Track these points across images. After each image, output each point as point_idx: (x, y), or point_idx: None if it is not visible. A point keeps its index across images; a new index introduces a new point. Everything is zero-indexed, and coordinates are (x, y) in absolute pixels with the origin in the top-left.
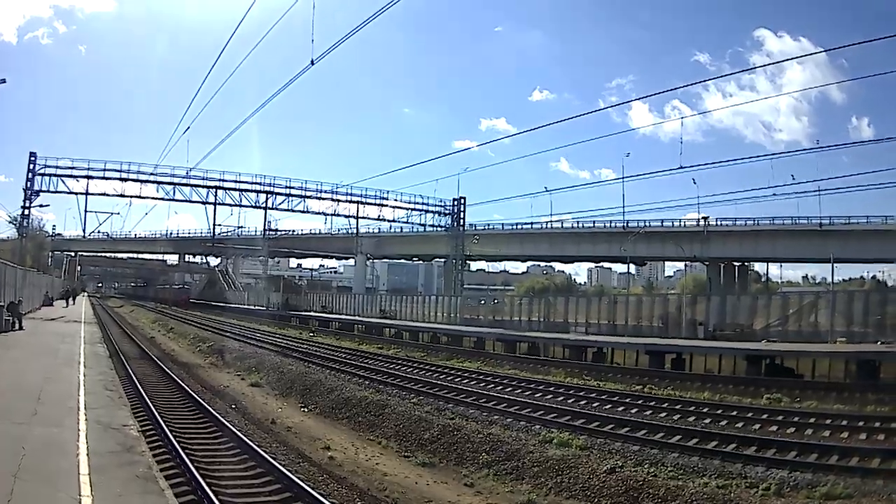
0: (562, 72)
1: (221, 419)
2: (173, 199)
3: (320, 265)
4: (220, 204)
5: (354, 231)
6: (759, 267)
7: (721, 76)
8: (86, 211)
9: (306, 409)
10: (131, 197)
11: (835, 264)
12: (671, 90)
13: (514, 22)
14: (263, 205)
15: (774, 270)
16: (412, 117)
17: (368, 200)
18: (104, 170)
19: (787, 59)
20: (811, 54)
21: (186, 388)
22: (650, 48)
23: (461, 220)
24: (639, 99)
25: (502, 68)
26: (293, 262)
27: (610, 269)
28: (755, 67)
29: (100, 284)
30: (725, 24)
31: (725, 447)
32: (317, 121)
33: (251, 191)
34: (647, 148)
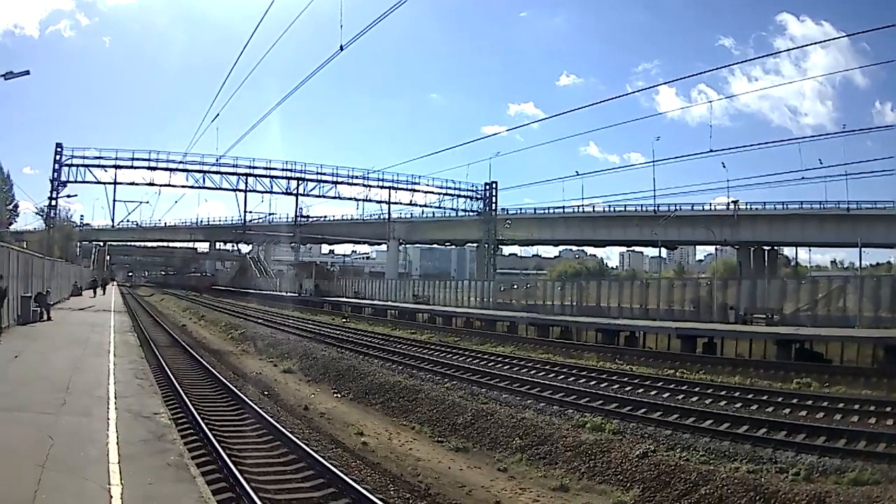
0: (587, 56)
1: (253, 406)
2: (203, 187)
3: (352, 251)
4: (250, 191)
5: (386, 216)
6: (787, 251)
7: (745, 60)
8: (114, 200)
9: (339, 395)
10: (160, 185)
11: (862, 249)
12: (697, 74)
13: (538, 7)
14: (294, 191)
15: (803, 255)
16: (440, 102)
17: (400, 185)
18: (132, 159)
19: (810, 44)
20: (833, 39)
21: (218, 375)
22: (675, 32)
23: (493, 205)
24: (665, 83)
25: (529, 53)
26: (325, 248)
27: (641, 253)
28: (779, 52)
29: (130, 273)
30: (748, 8)
31: (756, 432)
32: (345, 106)
33: (281, 177)
34: (674, 132)
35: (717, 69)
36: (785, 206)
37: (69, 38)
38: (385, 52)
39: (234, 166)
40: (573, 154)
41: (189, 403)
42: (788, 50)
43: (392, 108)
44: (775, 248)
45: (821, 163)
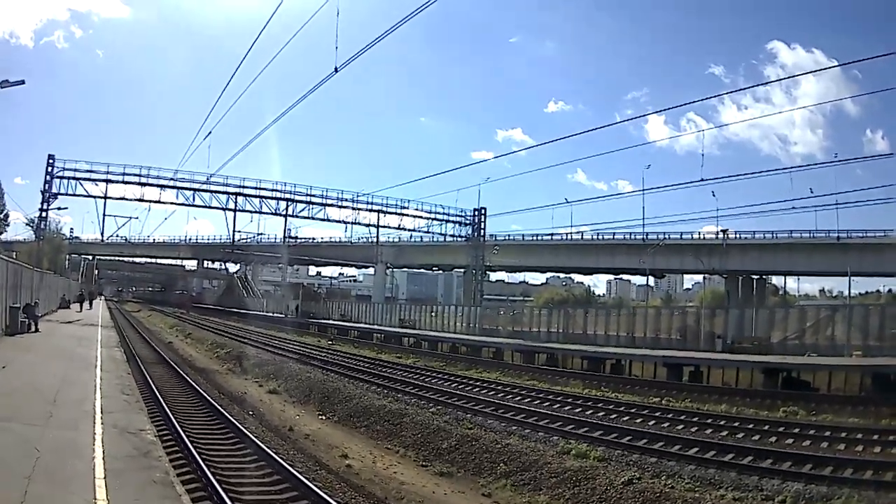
0: (576, 83)
1: (239, 425)
2: (193, 205)
3: (339, 273)
4: (240, 210)
5: (374, 240)
6: (776, 280)
7: (736, 90)
8: (104, 214)
9: (324, 417)
10: (150, 202)
11: (852, 278)
12: (687, 104)
13: (528, 33)
14: (284, 212)
15: (792, 284)
16: (429, 127)
17: (389, 209)
18: (123, 174)
19: (801, 74)
20: (825, 69)
21: (204, 393)
22: (664, 60)
23: (482, 231)
24: (655, 112)
25: (517, 80)
26: (312, 269)
27: (629, 281)
28: (770, 82)
29: (121, 289)
30: (738, 36)
31: (742, 460)
32: (337, 129)
33: (271, 198)
34: (663, 160)
35: (706, 98)
36: (774, 235)
37: (63, 49)
38: (376, 75)
39: (224, 185)
40: (561, 181)
41: (175, 421)
42: (780, 80)
43: (383, 131)
44: (764, 276)
45: (812, 192)
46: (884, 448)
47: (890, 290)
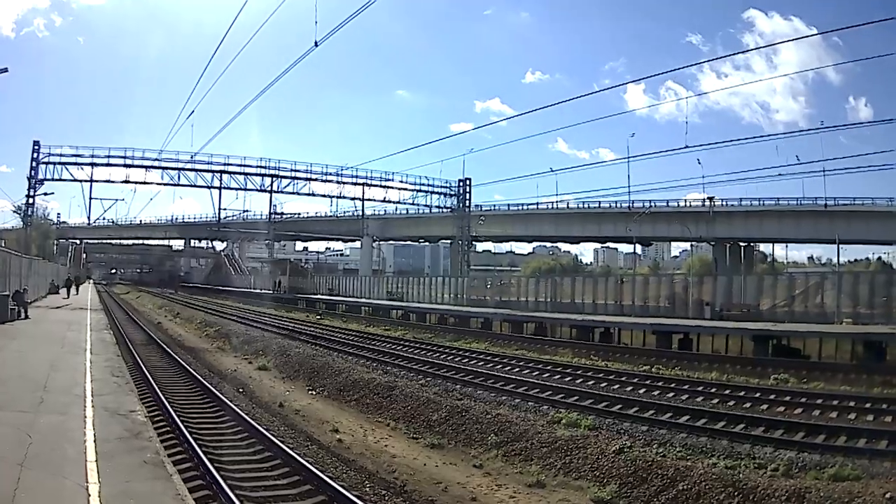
0: (553, 53)
1: (229, 403)
2: (178, 185)
3: (326, 248)
4: (225, 188)
5: (360, 213)
6: (764, 248)
7: (714, 59)
8: (90, 198)
9: (314, 392)
10: (136, 183)
11: (840, 245)
12: (666, 73)
13: (503, 4)
14: (268, 188)
15: (780, 251)
16: (407, 99)
17: (373, 182)
18: (108, 157)
19: (780, 42)
20: (804, 37)
21: (193, 372)
22: (641, 28)
23: (467, 202)
24: (634, 81)
25: (494, 51)
26: (299, 245)
27: (616, 249)
28: (748, 50)
29: (112, 271)
30: (714, 5)
31: (734, 427)
32: (319, 103)
33: (256, 174)
34: (643, 128)
35: (684, 67)
36: (761, 202)
37: (44, 37)
38: (354, 50)
39: (208, 163)
40: (543, 150)
41: (165, 401)
42: (758, 48)
43: (362, 105)
44: (751, 244)
45: (798, 160)
46: (876, 416)
47: (879, 258)
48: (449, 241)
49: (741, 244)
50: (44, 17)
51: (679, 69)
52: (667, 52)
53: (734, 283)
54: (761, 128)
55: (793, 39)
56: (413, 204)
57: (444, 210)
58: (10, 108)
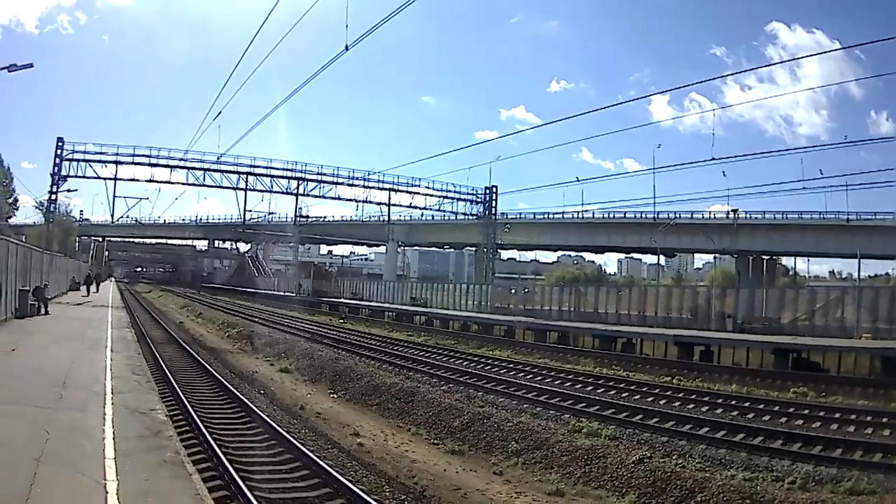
0: (578, 63)
1: (250, 404)
2: (203, 185)
3: (351, 252)
4: (250, 190)
5: (386, 218)
6: (786, 261)
7: (740, 71)
8: (114, 196)
9: (336, 396)
10: (161, 182)
11: (861, 260)
12: (690, 85)
13: (529, 13)
14: (294, 191)
15: (802, 265)
16: (432, 105)
17: (400, 188)
18: (133, 155)
19: (804, 56)
20: (828, 52)
21: (214, 372)
22: (666, 40)
23: (493, 209)
24: (659, 93)
25: (519, 59)
26: (324, 248)
27: (640, 260)
28: (772, 64)
29: (138, 269)
30: (737, 17)
31: (752, 440)
32: (347, 107)
33: (282, 177)
34: (667, 139)
35: (708, 80)
36: (784, 215)
37: (68, 35)
38: (380, 54)
39: (234, 165)
40: (567, 159)
41: (185, 400)
42: (782, 62)
43: (388, 110)
44: (774, 257)
45: (821, 173)
46: (893, 431)
47: None
48: (474, 249)
49: (764, 257)
50: (68, 14)
51: (703, 81)
52: (691, 64)
53: (756, 296)
54: (784, 141)
55: (816, 54)
56: (439, 210)
57: (470, 217)
58: (33, 104)
